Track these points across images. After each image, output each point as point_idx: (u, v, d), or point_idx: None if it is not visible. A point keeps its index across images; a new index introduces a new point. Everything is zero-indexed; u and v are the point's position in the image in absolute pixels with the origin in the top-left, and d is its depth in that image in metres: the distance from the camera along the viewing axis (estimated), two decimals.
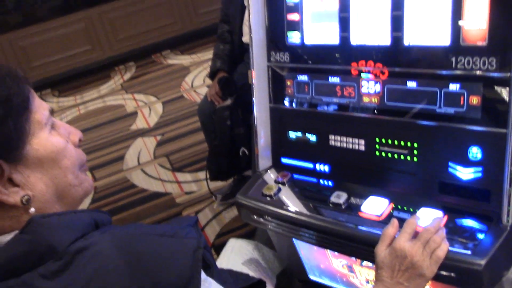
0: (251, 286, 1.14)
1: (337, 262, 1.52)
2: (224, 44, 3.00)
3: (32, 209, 0.82)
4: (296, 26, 1.40)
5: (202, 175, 3.48)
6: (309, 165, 1.48)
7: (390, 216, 1.25)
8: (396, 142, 1.29)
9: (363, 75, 1.30)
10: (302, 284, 1.76)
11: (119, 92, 5.49)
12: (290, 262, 1.69)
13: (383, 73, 1.27)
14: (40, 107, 0.87)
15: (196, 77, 5.27)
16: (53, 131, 0.88)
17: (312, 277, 1.69)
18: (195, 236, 0.85)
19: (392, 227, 1.14)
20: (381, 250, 1.13)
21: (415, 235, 1.12)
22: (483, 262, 1.06)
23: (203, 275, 0.85)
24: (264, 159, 1.55)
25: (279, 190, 1.44)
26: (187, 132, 4.17)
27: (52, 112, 0.90)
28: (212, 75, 2.98)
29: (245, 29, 2.85)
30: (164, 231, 0.85)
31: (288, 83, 1.46)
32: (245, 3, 2.83)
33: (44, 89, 5.92)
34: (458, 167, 1.19)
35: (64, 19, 5.78)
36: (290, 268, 1.72)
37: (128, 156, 4.09)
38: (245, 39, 2.86)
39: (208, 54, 5.60)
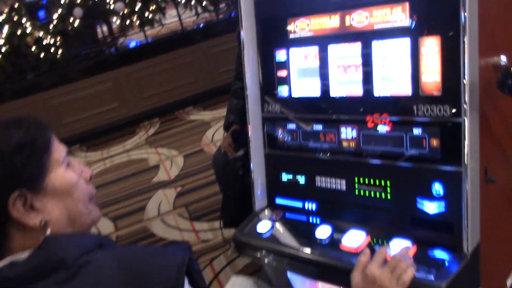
0: None
1: None
2: (237, 99, 3.20)
3: (49, 231, 1.00)
4: (285, 81, 1.60)
5: (218, 224, 3.63)
6: (299, 204, 1.64)
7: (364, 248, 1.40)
8: (372, 182, 1.45)
9: (341, 122, 1.48)
10: None
11: (143, 146, 5.76)
12: None
13: (357, 120, 1.44)
14: (58, 149, 1.07)
15: (217, 132, 5.50)
16: (68, 168, 1.08)
17: None
18: (180, 255, 1.02)
19: (364, 256, 1.28)
20: (356, 276, 1.27)
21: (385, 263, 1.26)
22: (443, 286, 1.19)
23: (188, 287, 1.01)
24: (260, 200, 1.72)
25: (272, 227, 1.60)
26: (206, 184, 4.35)
27: (68, 153, 1.10)
28: (226, 128, 3.18)
29: None
30: (155, 250, 1.02)
31: (280, 131, 1.65)
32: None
33: (73, 144, 6.23)
34: (425, 202, 1.34)
35: (93, 79, 6.16)
36: None
37: (149, 207, 4.28)
38: None
39: None
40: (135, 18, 6.19)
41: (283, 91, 1.62)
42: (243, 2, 1.62)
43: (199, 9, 6.65)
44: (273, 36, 1.61)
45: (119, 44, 6.80)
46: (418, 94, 1.31)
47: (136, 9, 6.12)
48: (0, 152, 0.97)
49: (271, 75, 1.64)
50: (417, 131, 1.33)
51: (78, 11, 5.82)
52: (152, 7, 6.16)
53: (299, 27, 1.53)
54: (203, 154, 5.05)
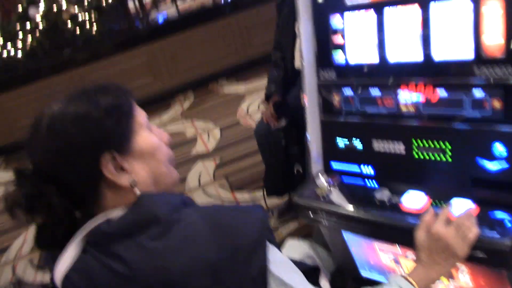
0: (307, 273, 1.33)
1: (384, 256, 1.70)
2: (278, 69, 3.23)
3: (137, 190, 1.07)
4: (340, 47, 1.63)
5: (259, 194, 3.69)
6: (356, 169, 1.68)
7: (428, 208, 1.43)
8: (431, 144, 1.48)
9: (400, 87, 1.50)
10: (355, 282, 1.93)
11: (179, 119, 5.85)
12: (343, 260, 1.88)
13: (417, 84, 1.47)
14: (141, 113, 1.13)
15: (251, 104, 5.54)
16: (150, 132, 1.14)
17: (363, 273, 1.86)
18: (261, 210, 1.08)
19: (429, 215, 1.32)
20: (420, 235, 1.31)
21: (450, 222, 1.30)
22: (509, 243, 1.23)
23: (268, 242, 1.06)
24: (316, 165, 1.77)
25: (330, 190, 1.65)
26: (244, 155, 4.41)
27: (147, 117, 1.16)
28: (267, 98, 3.21)
29: (297, 55, 3.09)
30: (237, 207, 1.09)
31: (336, 97, 1.68)
32: (297, 32, 3.09)
33: None
34: (487, 163, 1.37)
35: (128, 54, 6.24)
36: (343, 266, 1.90)
37: (190, 178, 4.37)
38: (298, 64, 3.09)
39: (262, 82, 5.89)
40: None
41: (339, 57, 1.64)
42: None
43: None
44: (328, 2, 1.63)
45: (152, 18, 6.84)
46: (479, 56, 1.33)
47: None
48: (92, 117, 1.03)
49: (326, 42, 1.66)
50: (478, 93, 1.35)
51: None
52: None
53: None
54: (240, 127, 5.10)
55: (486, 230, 1.29)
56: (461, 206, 1.36)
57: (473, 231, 1.26)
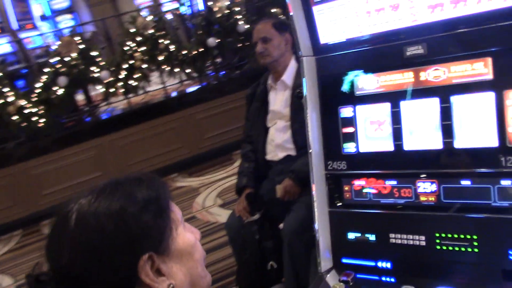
0: None
1: None
2: (248, 162, 3.17)
3: None
4: (351, 137, 1.59)
5: None
6: (371, 263, 1.58)
7: None
8: (455, 236, 1.42)
9: (418, 176, 1.47)
10: None
11: None
12: None
13: (437, 174, 1.43)
14: (176, 207, 1.01)
15: (207, 198, 5.41)
16: (185, 228, 1.02)
17: None
18: None
19: None
20: None
21: None
22: None
23: None
24: (325, 261, 1.66)
25: None
26: (206, 251, 4.20)
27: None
28: (238, 191, 3.12)
29: (268, 148, 3.06)
30: None
31: (346, 188, 1.62)
32: (268, 125, 3.08)
33: (52, 216, 5.98)
34: None
35: (76, 148, 6.03)
36: None
37: None
38: (269, 157, 3.06)
39: (216, 176, 5.84)
40: (119, 86, 6.16)
41: (349, 147, 1.60)
42: (305, 60, 1.63)
43: (183, 76, 6.68)
44: (337, 93, 1.61)
45: (102, 111, 6.73)
46: (505, 145, 1.32)
47: (121, 76, 6.11)
48: (128, 212, 0.91)
49: (334, 131, 1.63)
50: (506, 182, 1.33)
51: (62, 80, 5.75)
52: (137, 75, 6.16)
53: (368, 84, 1.54)
54: (197, 221, 4.92)
55: None
56: None
57: None
